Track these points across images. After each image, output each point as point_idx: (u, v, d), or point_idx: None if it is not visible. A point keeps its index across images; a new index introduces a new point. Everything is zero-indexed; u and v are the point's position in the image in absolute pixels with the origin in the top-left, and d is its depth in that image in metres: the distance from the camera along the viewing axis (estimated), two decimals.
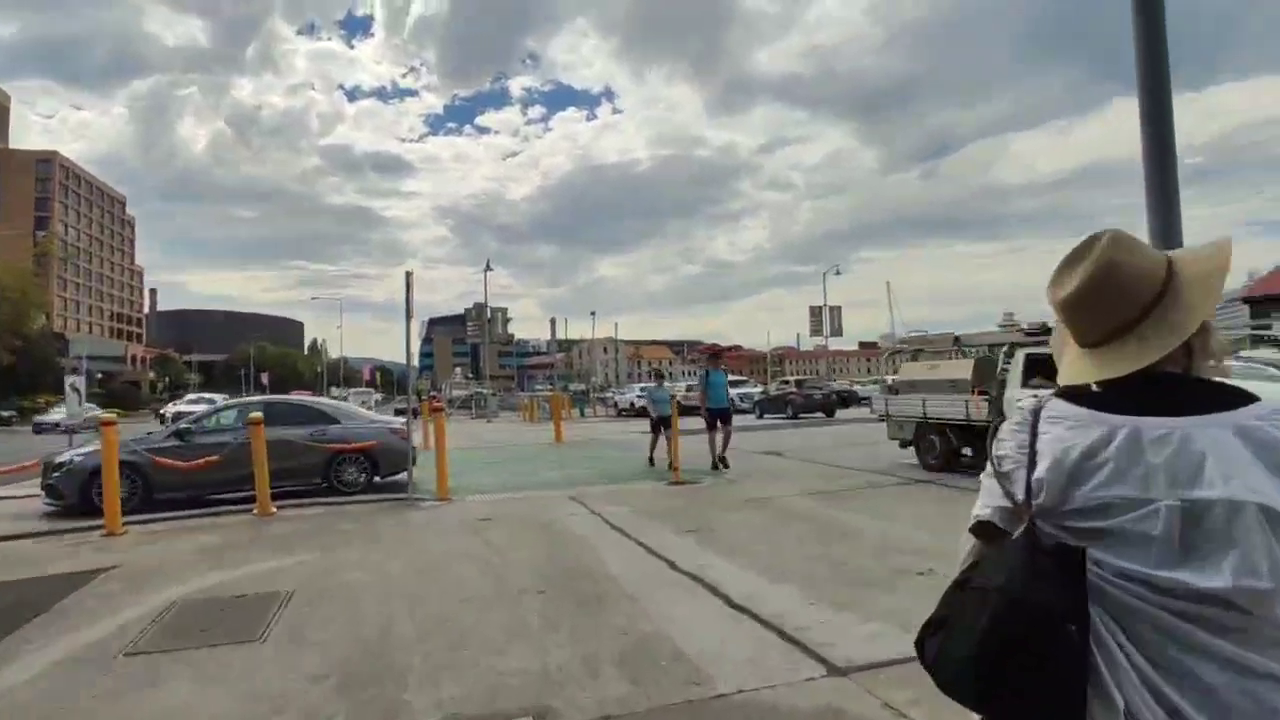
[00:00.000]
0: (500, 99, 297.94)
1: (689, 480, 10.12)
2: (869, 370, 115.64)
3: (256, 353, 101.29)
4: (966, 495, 7.85)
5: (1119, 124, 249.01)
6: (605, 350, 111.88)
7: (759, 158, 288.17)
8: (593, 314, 69.27)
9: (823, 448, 14.40)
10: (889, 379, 12.14)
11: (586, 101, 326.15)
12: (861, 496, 8.58)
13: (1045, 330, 9.99)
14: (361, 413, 11.33)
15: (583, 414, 37.45)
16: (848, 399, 37.10)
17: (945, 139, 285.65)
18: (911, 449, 11.00)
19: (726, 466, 10.98)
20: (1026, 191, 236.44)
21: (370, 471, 9.93)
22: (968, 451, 10.09)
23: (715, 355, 13.36)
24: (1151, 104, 2.94)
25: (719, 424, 11.26)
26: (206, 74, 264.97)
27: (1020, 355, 9.08)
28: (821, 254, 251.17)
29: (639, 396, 35.33)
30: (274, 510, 8.15)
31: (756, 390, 34.26)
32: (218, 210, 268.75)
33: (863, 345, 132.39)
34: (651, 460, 12.06)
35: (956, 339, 10.83)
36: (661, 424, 11.72)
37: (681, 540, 6.42)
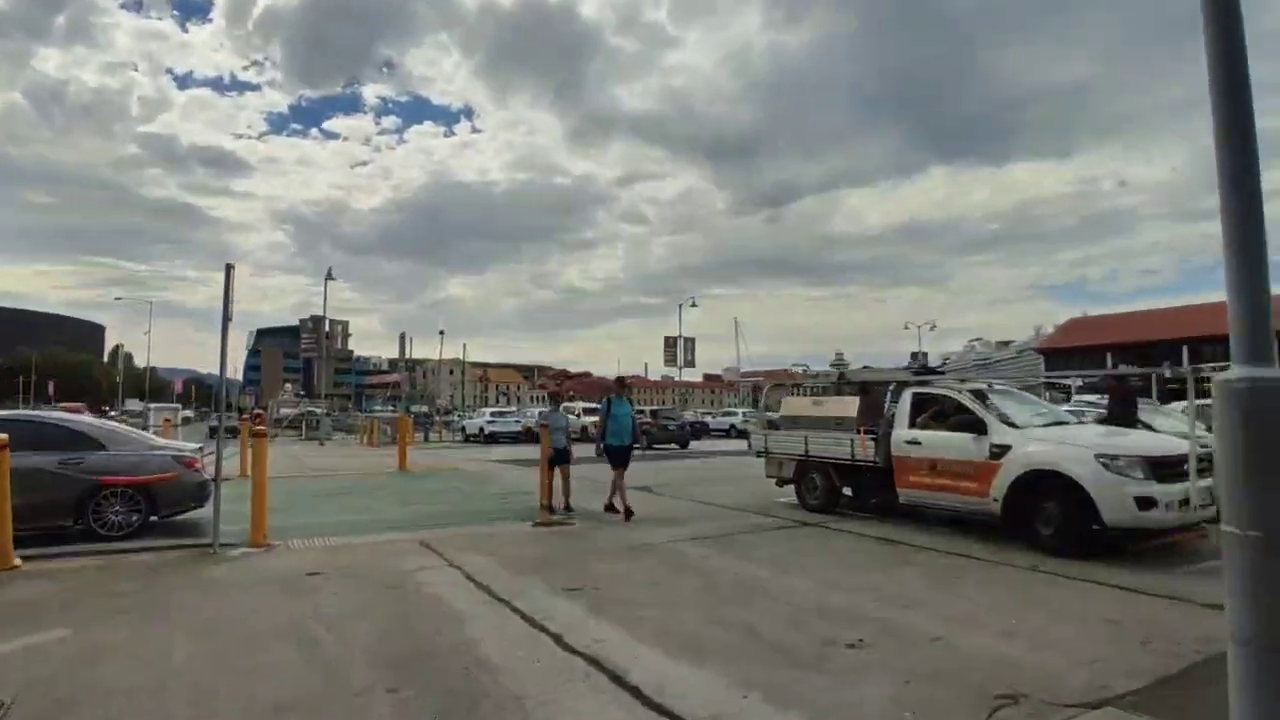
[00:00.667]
0: (352, 104, 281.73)
1: (559, 521, 9.02)
2: (713, 402, 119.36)
3: (42, 358, 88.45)
4: (859, 542, 7.28)
5: (934, 189, 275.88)
6: (452, 372, 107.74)
7: (616, 190, 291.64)
8: (441, 333, 65.91)
9: (691, 482, 13.75)
10: (767, 414, 11.68)
11: (445, 117, 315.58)
12: (750, 542, 7.87)
13: (931, 370, 9.88)
14: (139, 437, 9.24)
15: (427, 438, 35.09)
16: (700, 430, 37.42)
17: (788, 188, 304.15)
18: (788, 487, 10.53)
19: (629, 516, 9.29)
20: (856, 243, 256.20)
21: (146, 510, 8.01)
22: (848, 491, 9.73)
23: (622, 382, 10.94)
24: (1228, 79, 2.34)
25: (617, 464, 9.72)
26: (2, 38, 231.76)
27: (907, 395, 8.81)
28: (672, 287, 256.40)
29: (489, 422, 33.63)
30: (17, 562, 6.20)
31: None
32: (6, 193, 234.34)
33: (707, 377, 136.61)
34: (550, 508, 9.33)
35: (841, 375, 10.55)
36: (558, 459, 9.79)
37: (566, 604, 5.33)
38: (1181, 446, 7.30)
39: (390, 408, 62.37)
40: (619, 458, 9.66)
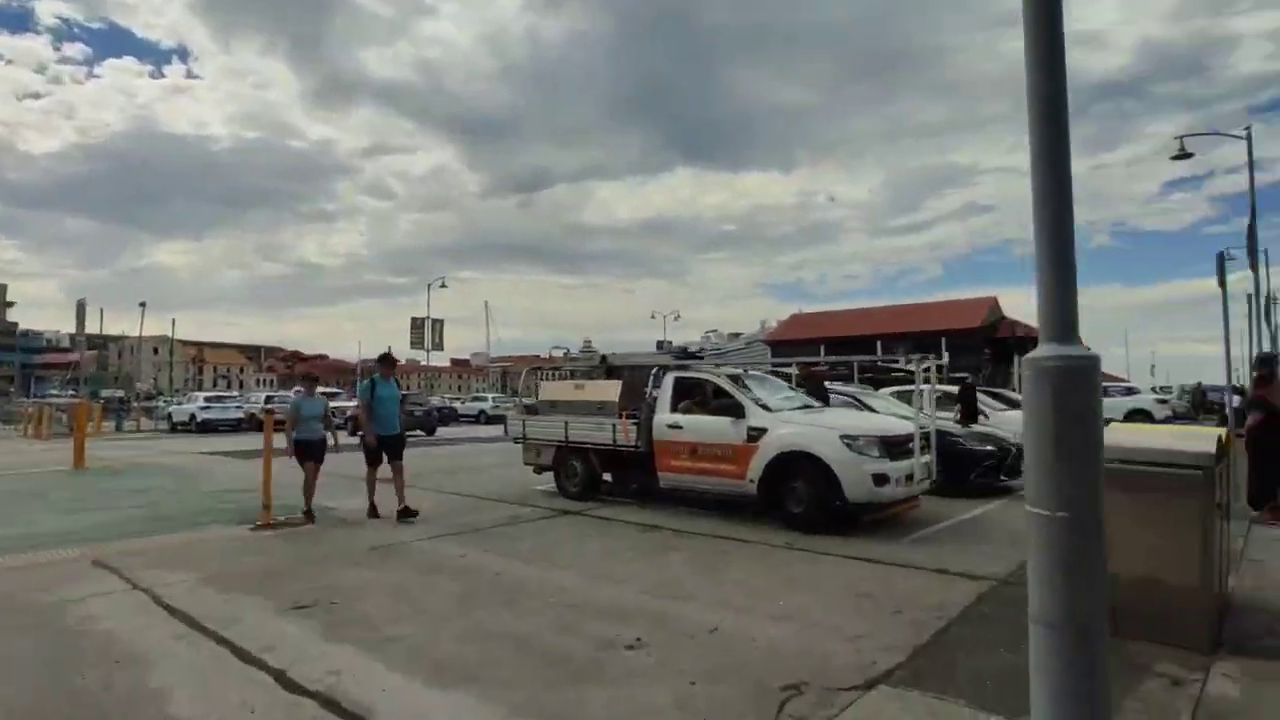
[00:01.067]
0: (19, 21, 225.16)
1: (285, 522, 7.75)
2: (461, 387, 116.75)
3: None
4: (624, 529, 7.04)
5: (679, 187, 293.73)
6: (157, 350, 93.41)
7: (360, 160, 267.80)
8: (142, 305, 56.26)
9: (441, 472, 12.85)
10: (525, 399, 11.17)
11: (152, 54, 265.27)
12: (510, 535, 7.34)
13: (691, 355, 10.02)
14: None
15: (120, 428, 29.70)
16: (448, 416, 35.96)
17: (542, 175, 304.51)
18: (547, 474, 10.16)
19: (411, 516, 8.02)
20: (606, 234, 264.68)
21: None
22: (608, 477, 9.57)
23: (387, 360, 9.05)
24: (1047, 109, 2.30)
25: (386, 456, 8.36)
26: None
27: (669, 379, 8.82)
28: (421, 267, 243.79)
29: (203, 408, 29.28)
30: None
31: (351, 404, 30.77)
32: None
33: (455, 362, 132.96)
34: (308, 508, 8.09)
35: (603, 358, 10.34)
36: (312, 453, 8.18)
37: (294, 627, 4.39)
38: (904, 427, 8.06)
39: (70, 391, 52.16)
40: (386, 449, 8.38)
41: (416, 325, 50.61)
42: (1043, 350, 2.29)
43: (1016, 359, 43.02)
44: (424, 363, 55.01)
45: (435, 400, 42.77)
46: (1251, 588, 5.42)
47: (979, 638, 4.31)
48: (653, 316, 69.61)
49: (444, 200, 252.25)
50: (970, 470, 9.40)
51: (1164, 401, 24.50)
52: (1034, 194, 2.35)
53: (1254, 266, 17.66)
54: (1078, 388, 2.23)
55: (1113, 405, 22.79)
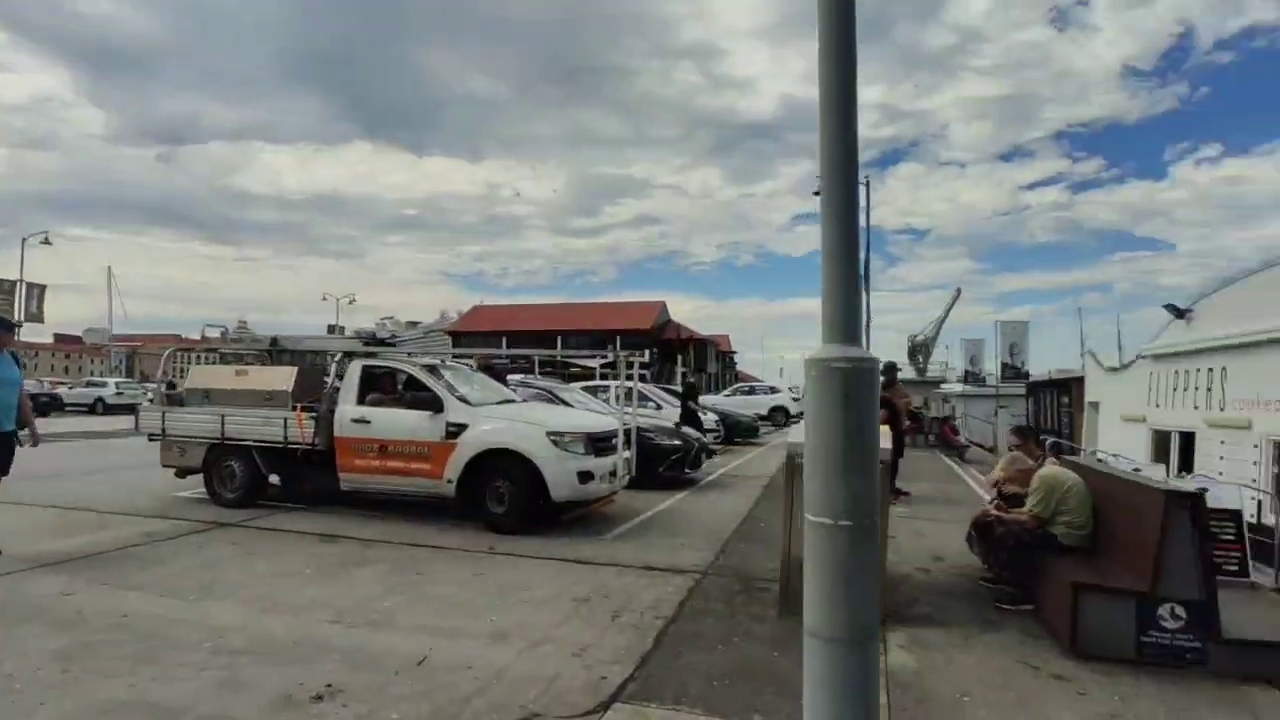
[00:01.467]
0: None
1: None
2: (68, 369, 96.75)
3: None
4: (299, 543, 6.03)
5: (358, 163, 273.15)
6: None
7: None
8: None
9: (40, 477, 9.97)
10: (161, 386, 9.13)
11: None
12: (145, 559, 5.81)
13: (382, 341, 9.01)
14: None
15: None
16: (50, 404, 29.29)
17: (191, 126, 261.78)
18: (195, 477, 8.41)
19: None
20: (269, 204, 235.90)
21: None
22: (275, 480, 8.20)
23: (3, 325, 6.41)
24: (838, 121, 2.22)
25: None
26: None
27: (356, 367, 7.78)
28: (12, 218, 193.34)
29: None
30: None
31: None
32: None
33: (61, 338, 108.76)
34: None
35: (274, 340, 8.80)
36: None
37: None
38: (607, 423, 8.08)
39: None
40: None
41: (4, 289, 40.06)
42: (830, 350, 2.17)
43: (680, 359, 47.62)
44: (17, 338, 43.67)
45: (31, 385, 34.34)
46: (894, 561, 6.28)
47: (698, 635, 4.31)
48: (324, 298, 63.35)
49: (51, 138, 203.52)
50: (659, 464, 9.82)
51: (797, 399, 28.80)
52: (824, 205, 2.25)
53: (867, 290, 21.54)
54: (864, 388, 2.14)
55: (759, 402, 26.21)
